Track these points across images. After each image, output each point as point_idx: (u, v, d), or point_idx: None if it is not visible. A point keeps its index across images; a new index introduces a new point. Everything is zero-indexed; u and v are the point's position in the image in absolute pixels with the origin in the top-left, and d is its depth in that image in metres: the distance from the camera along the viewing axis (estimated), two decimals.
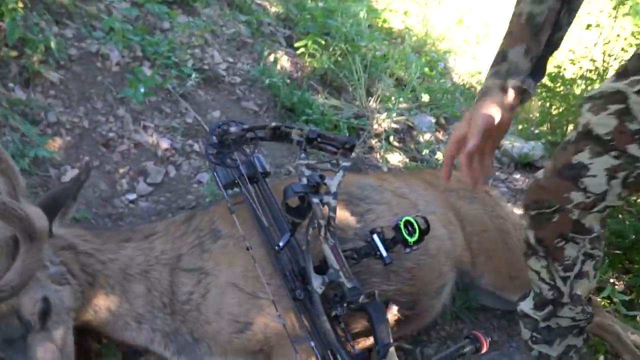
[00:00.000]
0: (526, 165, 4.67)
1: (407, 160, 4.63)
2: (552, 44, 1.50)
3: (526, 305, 2.13)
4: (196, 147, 3.45)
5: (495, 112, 1.42)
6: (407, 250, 2.08)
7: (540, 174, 1.80)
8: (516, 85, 1.48)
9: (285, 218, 2.17)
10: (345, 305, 1.95)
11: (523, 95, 1.52)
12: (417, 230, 2.12)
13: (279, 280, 2.18)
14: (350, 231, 2.68)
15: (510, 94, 1.47)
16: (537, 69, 1.50)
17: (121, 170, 3.15)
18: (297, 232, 2.15)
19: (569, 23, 1.52)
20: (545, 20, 1.43)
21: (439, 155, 4.65)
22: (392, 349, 1.83)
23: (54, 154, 2.90)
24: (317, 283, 1.92)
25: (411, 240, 2.07)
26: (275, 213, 2.23)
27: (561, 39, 1.53)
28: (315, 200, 1.96)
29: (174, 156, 3.35)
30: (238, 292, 2.39)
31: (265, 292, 2.16)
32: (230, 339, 2.38)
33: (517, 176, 4.54)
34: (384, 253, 2.02)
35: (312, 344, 2.00)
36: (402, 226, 2.13)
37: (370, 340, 2.32)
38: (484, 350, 1.93)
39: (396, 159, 4.27)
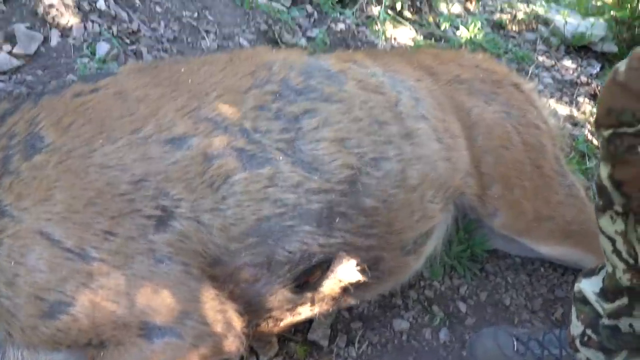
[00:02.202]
0: (581, 48, 3.83)
1: (421, 37, 3.58)
2: None
3: (589, 286, 1.62)
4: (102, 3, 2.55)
5: None
6: None
7: (622, 65, 1.23)
8: None
9: None
10: None
11: None
12: None
13: (133, 228, 1.51)
14: (270, 147, 1.72)
15: None
16: None
17: None
18: None
19: None
20: None
21: (464, 32, 3.36)
22: None
23: None
24: None
25: None
26: None
27: None
28: None
29: (61, 16, 2.47)
30: (50, 249, 1.49)
31: (100, 250, 1.48)
32: (35, 325, 1.48)
33: (568, 63, 3.69)
34: None
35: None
36: None
37: None
38: None
39: (405, 35, 3.51)
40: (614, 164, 1.28)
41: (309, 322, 2.03)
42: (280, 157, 1.67)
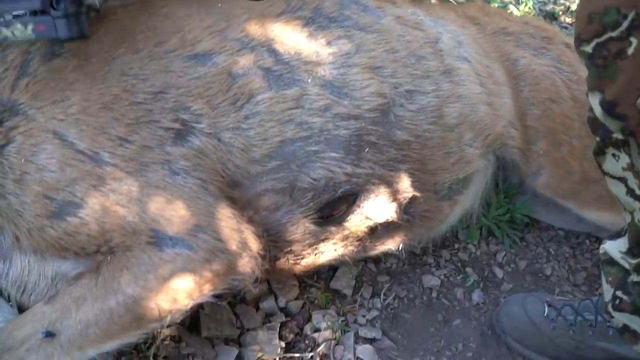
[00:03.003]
0: None
1: None
2: None
3: (615, 246, 1.49)
4: None
5: None
6: None
7: None
8: None
9: None
10: None
11: None
12: None
13: (149, 137, 1.46)
14: (298, 69, 1.64)
15: None
16: None
17: None
18: None
19: None
20: None
21: (514, 12, 3.24)
22: None
23: None
24: None
25: None
26: None
27: None
28: None
29: None
30: (61, 149, 1.44)
31: (113, 155, 1.43)
32: (42, 226, 1.43)
33: None
34: None
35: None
36: None
37: None
38: None
39: None
40: (603, 83, 1.20)
41: (332, 271, 1.94)
42: (309, 79, 1.60)
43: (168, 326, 1.50)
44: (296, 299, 1.84)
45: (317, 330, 1.76)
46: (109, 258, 1.40)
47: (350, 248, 1.76)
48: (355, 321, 1.83)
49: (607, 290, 1.58)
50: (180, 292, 1.41)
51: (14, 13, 1.41)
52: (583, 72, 2.11)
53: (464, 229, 2.14)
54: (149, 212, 1.41)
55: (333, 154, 1.59)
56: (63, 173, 1.40)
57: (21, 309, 1.52)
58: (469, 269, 2.06)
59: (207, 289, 1.45)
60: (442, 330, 1.86)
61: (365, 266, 2.00)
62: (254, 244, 1.50)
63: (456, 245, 2.14)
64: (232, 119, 1.55)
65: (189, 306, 1.44)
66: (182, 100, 1.52)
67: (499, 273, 2.08)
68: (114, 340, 1.37)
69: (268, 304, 1.80)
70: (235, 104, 1.55)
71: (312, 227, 1.64)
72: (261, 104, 1.56)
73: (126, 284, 1.37)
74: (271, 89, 1.58)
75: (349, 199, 1.64)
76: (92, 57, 1.53)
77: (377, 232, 1.75)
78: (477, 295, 1.97)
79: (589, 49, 1.19)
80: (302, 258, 1.72)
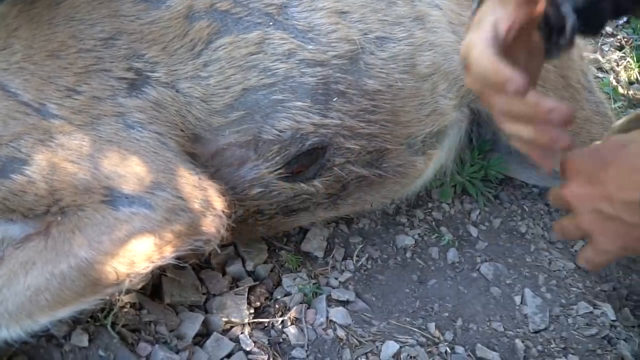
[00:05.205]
0: None
1: None
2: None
3: None
4: None
5: None
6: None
7: None
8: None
9: None
10: None
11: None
12: None
13: (100, 88, 1.40)
14: (258, 12, 1.59)
15: None
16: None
17: None
18: None
19: None
20: None
21: None
22: None
23: None
24: None
25: None
26: None
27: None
28: None
29: None
30: (4, 100, 1.34)
31: (61, 107, 1.34)
32: None
33: None
34: None
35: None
36: None
37: None
38: None
39: None
40: None
41: (303, 233, 1.88)
42: (271, 23, 1.52)
43: (127, 292, 1.41)
44: (265, 262, 1.78)
45: (288, 294, 1.70)
46: (59, 219, 1.31)
47: (321, 207, 1.71)
48: (327, 284, 1.78)
49: None
50: (139, 255, 1.32)
51: None
52: None
53: (437, 188, 2.10)
54: (102, 168, 1.32)
55: (299, 103, 1.53)
56: (6, 127, 1.30)
57: None
58: (443, 228, 2.02)
59: (168, 251, 1.37)
60: (417, 290, 1.82)
61: (337, 227, 1.95)
62: (218, 202, 1.42)
63: (430, 205, 2.10)
64: (190, 67, 1.47)
65: (149, 269, 1.36)
66: (135, 47, 1.43)
67: (474, 232, 2.05)
68: (67, 307, 1.28)
69: (235, 268, 1.73)
70: (192, 50, 1.47)
71: (280, 183, 1.57)
72: (221, 49, 1.48)
73: (79, 246, 1.27)
74: (231, 33, 1.50)
75: (318, 153, 1.58)
76: (36, 2, 1.42)
77: (348, 188, 1.68)
78: (452, 254, 1.94)
79: None
80: (270, 218, 1.66)
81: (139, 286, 1.47)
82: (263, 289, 1.70)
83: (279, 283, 1.75)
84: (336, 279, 1.79)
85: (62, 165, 1.30)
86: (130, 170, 1.34)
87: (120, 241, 1.30)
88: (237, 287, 1.67)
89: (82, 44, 1.39)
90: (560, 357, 1.67)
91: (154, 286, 1.59)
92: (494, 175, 2.14)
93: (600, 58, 3.30)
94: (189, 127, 1.46)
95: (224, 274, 1.71)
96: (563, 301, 1.83)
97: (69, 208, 1.32)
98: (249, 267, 1.75)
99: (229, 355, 1.49)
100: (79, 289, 1.28)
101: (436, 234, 1.98)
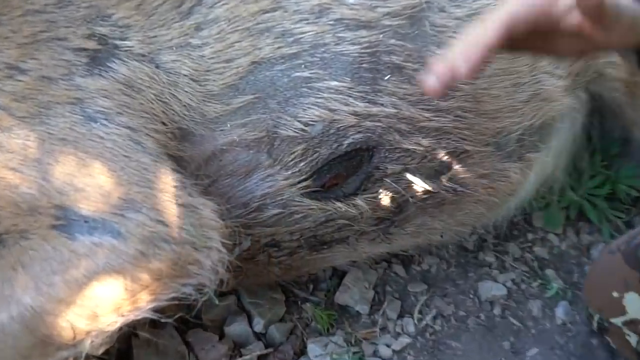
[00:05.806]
0: None
1: None
2: None
3: None
4: None
5: None
6: None
7: None
8: None
9: None
10: None
11: None
12: None
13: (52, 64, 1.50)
14: None
15: None
16: None
17: None
18: None
19: None
20: None
21: None
22: None
23: None
24: None
25: None
26: None
27: None
28: None
29: None
30: None
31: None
32: None
33: None
34: None
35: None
36: None
37: None
38: None
39: None
40: None
41: (337, 277, 1.98)
42: None
43: (86, 358, 1.45)
44: (282, 320, 1.87)
45: None
46: None
47: (366, 238, 1.77)
48: (374, 353, 1.85)
49: None
50: (103, 304, 1.39)
51: None
52: None
53: (541, 210, 2.20)
54: (53, 179, 1.40)
55: (334, 83, 1.60)
56: None
57: None
58: (549, 271, 2.10)
59: (144, 300, 1.43)
60: None
61: (390, 269, 2.04)
62: (215, 229, 1.48)
63: (530, 236, 2.20)
64: (175, 32, 1.56)
65: (117, 325, 1.42)
66: (99, 5, 1.54)
67: None
68: None
69: (238, 327, 1.81)
70: (179, 6, 1.56)
71: (306, 202, 1.64)
72: (219, 5, 1.56)
73: (22, 289, 1.35)
74: None
75: (361, 157, 1.64)
76: None
77: (406, 210, 1.75)
78: (562, 311, 1.99)
79: None
80: (291, 254, 1.73)
81: (101, 350, 1.51)
82: (279, 359, 1.76)
83: (302, 351, 1.82)
84: (388, 346, 1.86)
85: None
86: (91, 182, 1.41)
87: (78, 284, 1.36)
88: (241, 355, 1.75)
89: (29, 3, 1.49)
90: None
91: (121, 352, 1.67)
92: (624, 192, 2.22)
93: None
94: (174, 119, 1.54)
95: (221, 336, 1.80)
96: None
97: (9, 235, 1.40)
98: (258, 327, 1.83)
99: None
100: (22, 349, 1.35)
101: (539, 280, 2.06)
